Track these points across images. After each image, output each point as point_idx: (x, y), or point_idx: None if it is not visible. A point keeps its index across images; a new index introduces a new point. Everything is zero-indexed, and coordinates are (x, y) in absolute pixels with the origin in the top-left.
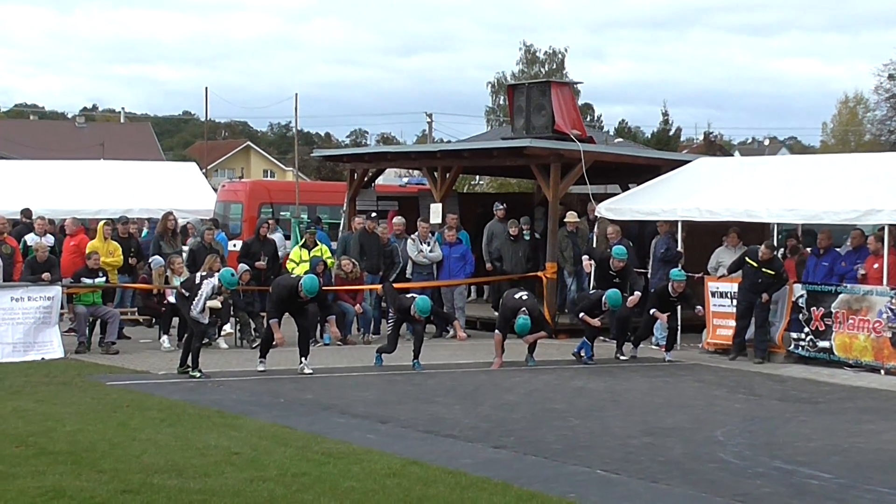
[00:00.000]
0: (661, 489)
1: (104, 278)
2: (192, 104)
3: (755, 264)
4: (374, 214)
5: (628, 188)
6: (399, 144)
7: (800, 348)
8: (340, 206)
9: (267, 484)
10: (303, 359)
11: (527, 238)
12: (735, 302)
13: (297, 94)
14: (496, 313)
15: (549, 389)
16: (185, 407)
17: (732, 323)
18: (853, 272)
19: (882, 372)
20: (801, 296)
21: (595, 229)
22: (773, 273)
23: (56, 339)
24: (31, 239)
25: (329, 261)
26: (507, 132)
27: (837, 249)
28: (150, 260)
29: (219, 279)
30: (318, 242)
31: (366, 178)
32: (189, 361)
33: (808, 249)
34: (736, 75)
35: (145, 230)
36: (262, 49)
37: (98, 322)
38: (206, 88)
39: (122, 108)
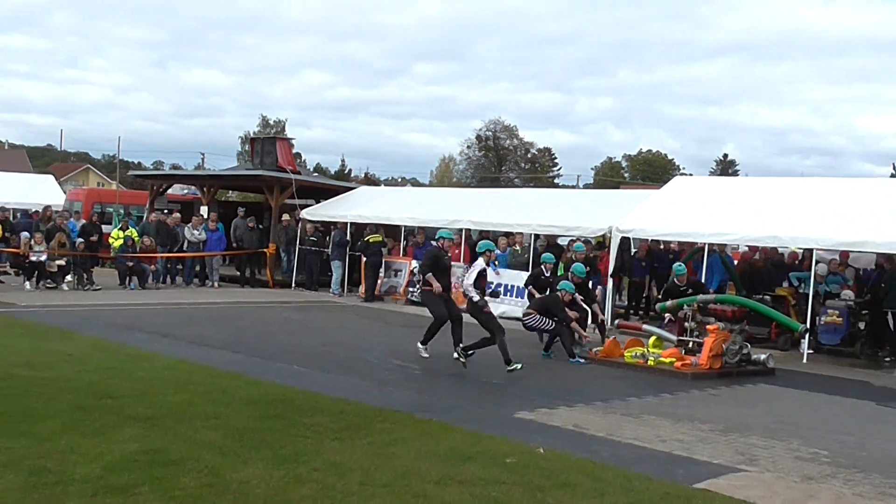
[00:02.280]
0: (332, 377)
1: None
2: (53, 139)
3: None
4: (165, 211)
5: (319, 202)
6: (182, 170)
7: (413, 296)
8: (144, 206)
9: (89, 374)
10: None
11: (260, 228)
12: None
13: (119, 137)
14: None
15: (268, 319)
16: (38, 326)
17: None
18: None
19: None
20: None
21: (300, 227)
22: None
23: None
24: None
25: (136, 238)
26: (249, 166)
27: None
28: (20, 233)
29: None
30: (129, 227)
31: (161, 190)
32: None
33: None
34: (383, 142)
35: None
36: (100, 107)
37: None
38: (62, 130)
39: (6, 140)
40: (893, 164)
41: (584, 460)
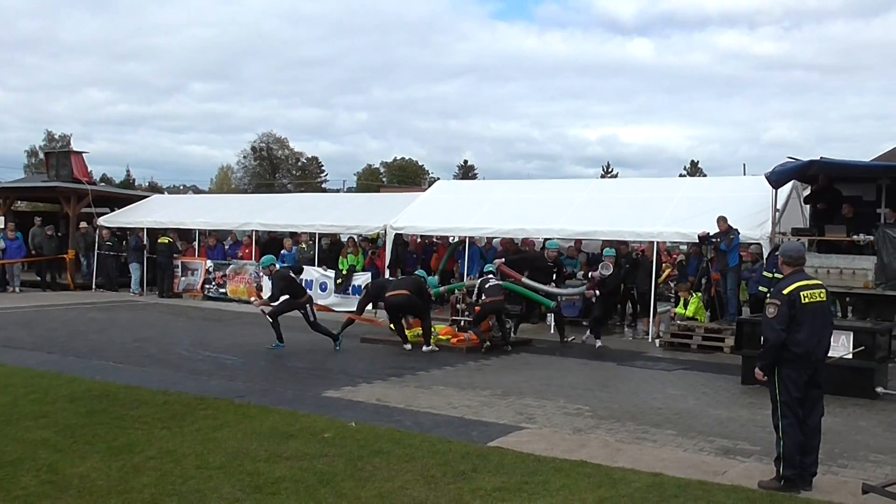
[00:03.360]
0: (149, 370)
1: None
2: None
3: None
4: None
5: (114, 210)
6: None
7: (210, 292)
8: None
9: None
10: None
11: (58, 235)
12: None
13: None
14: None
15: (75, 320)
16: None
17: None
18: None
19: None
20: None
21: (97, 234)
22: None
23: None
24: None
25: None
26: (38, 178)
27: None
28: None
29: None
30: None
31: None
32: None
33: None
34: (164, 153)
35: None
36: None
37: None
38: None
39: None
40: (603, 167)
41: (391, 429)
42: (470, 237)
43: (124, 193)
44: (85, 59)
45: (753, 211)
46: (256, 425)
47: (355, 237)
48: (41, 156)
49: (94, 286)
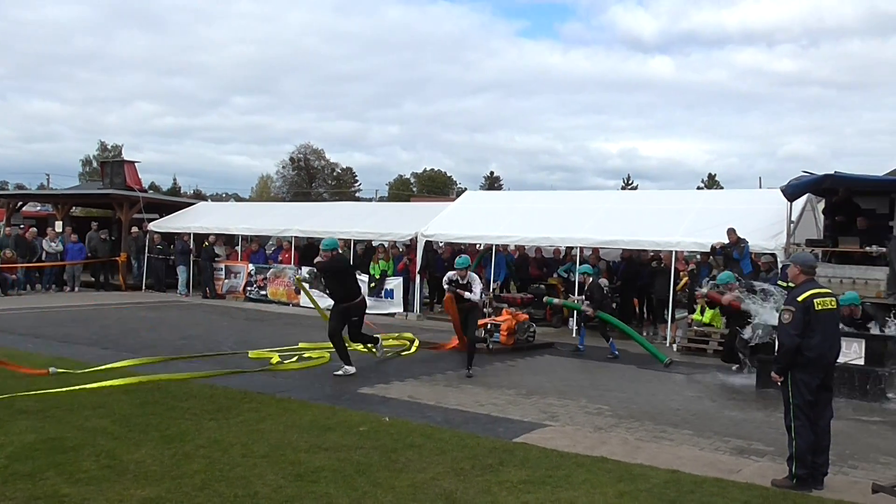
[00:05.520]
0: (195, 365)
1: None
2: None
3: None
4: (22, 227)
5: (163, 216)
6: (28, 190)
7: (251, 294)
8: (2, 222)
9: None
10: None
11: (111, 239)
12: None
13: None
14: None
15: (127, 318)
16: None
17: None
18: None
19: (291, 305)
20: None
21: (147, 238)
22: None
23: None
24: None
25: None
26: (93, 185)
27: None
28: None
29: None
30: None
31: (16, 207)
32: None
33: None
34: (208, 163)
35: None
36: None
37: None
38: None
39: None
40: (623, 179)
41: (423, 425)
42: (496, 245)
43: (172, 200)
44: (135, 74)
45: (769, 222)
46: (297, 418)
47: (385, 244)
48: (95, 165)
49: (144, 287)
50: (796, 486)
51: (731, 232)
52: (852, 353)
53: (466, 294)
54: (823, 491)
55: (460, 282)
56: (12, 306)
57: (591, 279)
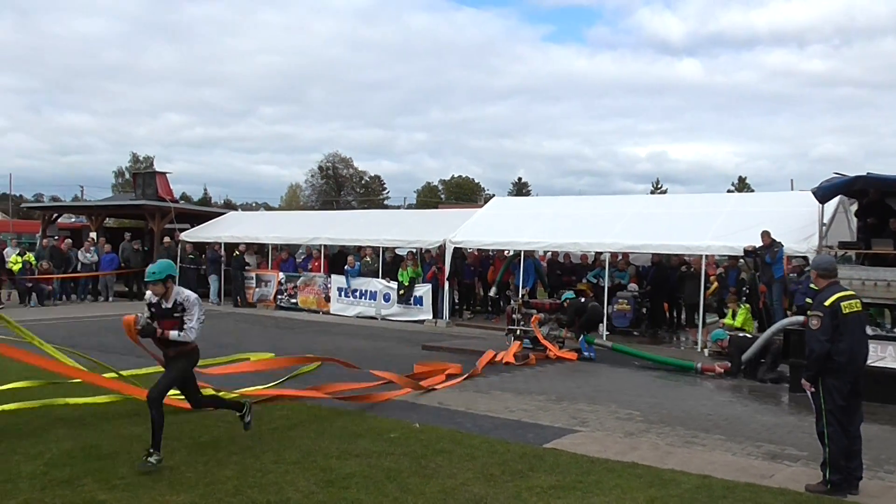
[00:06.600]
0: (226, 375)
1: None
2: None
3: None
4: (57, 238)
5: (194, 226)
6: (62, 202)
7: (282, 302)
8: (37, 234)
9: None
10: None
11: (144, 250)
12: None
13: (10, 174)
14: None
15: None
16: None
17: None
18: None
19: (321, 313)
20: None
21: (179, 248)
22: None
23: None
24: None
25: (33, 262)
26: (125, 197)
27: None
28: None
29: None
30: (27, 252)
31: (52, 219)
32: None
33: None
34: (237, 173)
35: None
36: None
37: None
38: None
39: None
40: (652, 183)
41: (452, 431)
42: (525, 251)
43: (203, 210)
44: (164, 86)
45: (800, 225)
46: (327, 425)
47: (413, 251)
48: (127, 176)
49: None
50: (830, 491)
51: (765, 234)
52: (888, 356)
53: (171, 334)
54: (859, 496)
55: (163, 306)
56: (49, 316)
57: (570, 300)
